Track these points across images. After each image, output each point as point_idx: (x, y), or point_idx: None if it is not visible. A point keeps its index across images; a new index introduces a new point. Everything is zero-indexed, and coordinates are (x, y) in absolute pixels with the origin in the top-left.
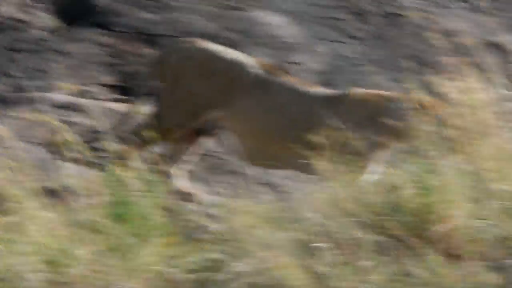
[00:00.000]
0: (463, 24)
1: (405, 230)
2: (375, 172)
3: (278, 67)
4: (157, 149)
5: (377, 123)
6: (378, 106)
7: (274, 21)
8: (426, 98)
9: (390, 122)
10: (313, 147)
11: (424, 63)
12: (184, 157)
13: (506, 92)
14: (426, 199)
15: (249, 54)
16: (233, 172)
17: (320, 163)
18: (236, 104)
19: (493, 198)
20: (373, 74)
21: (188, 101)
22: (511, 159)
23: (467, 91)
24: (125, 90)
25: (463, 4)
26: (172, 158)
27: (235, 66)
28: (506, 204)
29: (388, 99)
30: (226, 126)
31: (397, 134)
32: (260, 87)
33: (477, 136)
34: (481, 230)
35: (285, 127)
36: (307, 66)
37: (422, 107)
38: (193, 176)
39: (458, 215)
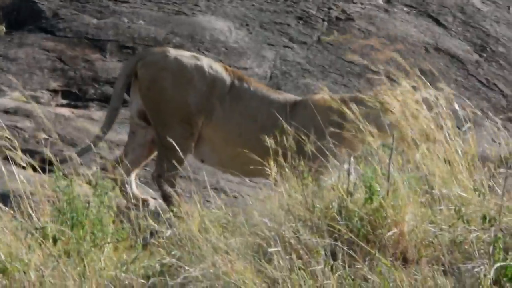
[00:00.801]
0: (409, 29)
1: (357, 235)
2: (330, 177)
3: (244, 75)
4: (111, 155)
5: (335, 127)
6: (338, 110)
7: (220, 26)
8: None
9: (348, 126)
10: (271, 152)
11: (368, 68)
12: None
13: (450, 96)
14: (377, 204)
15: None
16: (185, 177)
17: (274, 168)
18: (214, 111)
19: (444, 202)
20: (319, 78)
21: (180, 111)
22: (457, 163)
23: (411, 97)
24: (72, 95)
25: (408, 9)
26: (128, 165)
27: (211, 74)
28: (457, 208)
29: (347, 102)
30: (203, 134)
31: (353, 139)
32: (235, 95)
33: (422, 141)
34: (434, 235)
35: (256, 133)
36: (254, 71)
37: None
38: (147, 181)
39: (409, 219)
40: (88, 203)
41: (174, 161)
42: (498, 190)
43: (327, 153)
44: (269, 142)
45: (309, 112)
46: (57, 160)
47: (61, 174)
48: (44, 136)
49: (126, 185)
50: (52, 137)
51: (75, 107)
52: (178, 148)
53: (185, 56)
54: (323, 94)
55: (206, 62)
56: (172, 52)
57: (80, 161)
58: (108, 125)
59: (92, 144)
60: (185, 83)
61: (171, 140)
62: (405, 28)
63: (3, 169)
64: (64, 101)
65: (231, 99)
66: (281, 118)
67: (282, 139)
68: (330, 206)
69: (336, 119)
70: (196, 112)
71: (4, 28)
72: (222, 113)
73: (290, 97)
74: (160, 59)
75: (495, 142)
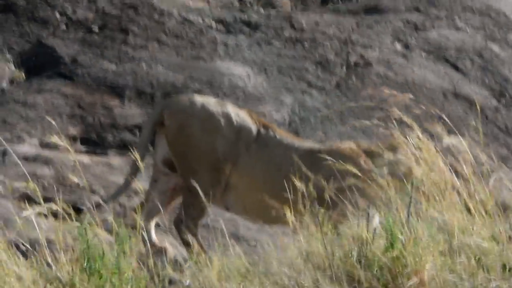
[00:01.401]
0: (427, 74)
1: (377, 283)
2: (349, 225)
3: (271, 123)
4: (130, 202)
5: (356, 178)
6: (365, 160)
7: (239, 72)
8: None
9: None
10: (291, 200)
11: (387, 114)
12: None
13: (470, 142)
14: (397, 252)
15: None
16: (203, 225)
17: (294, 216)
18: (240, 159)
19: (463, 251)
20: (337, 124)
21: (208, 158)
22: (476, 212)
23: (429, 144)
24: (90, 141)
25: (426, 54)
26: (148, 212)
27: (237, 122)
28: (477, 257)
29: (374, 154)
30: (229, 181)
31: (373, 190)
32: (261, 143)
33: (442, 189)
34: (454, 284)
35: (280, 181)
36: (272, 117)
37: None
38: (164, 229)
39: (429, 268)
40: (103, 251)
41: (198, 209)
42: None
43: (346, 202)
44: (288, 189)
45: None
46: (78, 208)
47: (84, 222)
48: (76, 180)
49: (146, 233)
50: (81, 184)
51: (94, 153)
52: (204, 196)
53: (212, 103)
54: (349, 143)
55: (232, 109)
56: (198, 99)
57: (107, 208)
58: (133, 173)
59: (121, 190)
60: (213, 130)
61: (197, 186)
62: (423, 73)
63: (24, 217)
64: (83, 148)
65: (257, 147)
66: (303, 167)
67: (303, 186)
68: (350, 255)
69: (357, 170)
70: (224, 160)
71: (23, 74)
72: (248, 161)
73: (315, 145)
74: (187, 107)
75: None
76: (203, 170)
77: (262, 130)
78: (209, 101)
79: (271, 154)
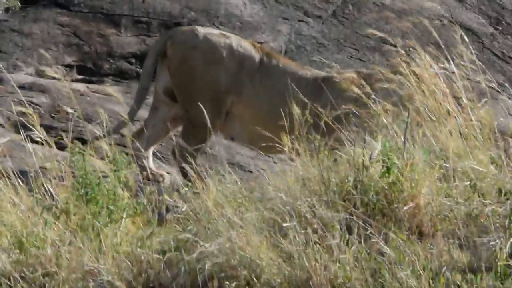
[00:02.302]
0: (423, 2)
1: (373, 209)
2: (345, 151)
3: (274, 52)
4: (128, 130)
5: (356, 105)
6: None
7: (235, 1)
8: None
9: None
10: (287, 128)
11: (384, 42)
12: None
13: (467, 69)
14: (393, 178)
15: None
16: (202, 153)
17: (290, 143)
18: (244, 89)
19: (460, 176)
20: (333, 53)
21: (209, 89)
22: (473, 137)
23: (428, 70)
24: (87, 70)
25: None
26: (147, 140)
27: (240, 52)
28: (473, 181)
29: (373, 81)
30: (233, 112)
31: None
32: (264, 72)
33: (438, 115)
34: (449, 208)
35: (285, 109)
36: (268, 46)
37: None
38: (162, 156)
39: (425, 193)
40: (99, 178)
41: (197, 139)
42: None
43: (343, 128)
44: (287, 116)
45: (337, 89)
46: (72, 136)
47: (77, 149)
48: (70, 110)
49: (144, 160)
50: (75, 113)
51: (90, 82)
52: (204, 126)
53: (215, 34)
54: (351, 72)
55: (235, 40)
56: (201, 30)
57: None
58: (138, 103)
59: (126, 120)
60: (215, 62)
61: (198, 116)
62: (420, 1)
63: (20, 144)
64: (79, 76)
65: (261, 76)
66: (300, 94)
67: (303, 113)
68: (346, 180)
69: (357, 96)
70: (226, 91)
71: (19, 3)
72: (252, 91)
73: (319, 73)
74: (190, 38)
75: (511, 115)
76: (204, 101)
77: (265, 59)
78: (212, 33)
79: (275, 83)
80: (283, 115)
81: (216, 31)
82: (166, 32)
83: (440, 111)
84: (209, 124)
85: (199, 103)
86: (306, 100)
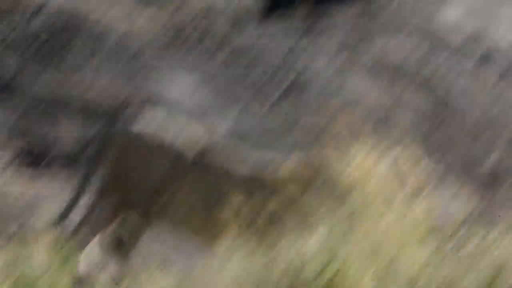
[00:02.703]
0: (365, 93)
1: None
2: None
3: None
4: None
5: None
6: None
7: (180, 86)
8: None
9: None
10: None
11: (324, 133)
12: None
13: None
14: (330, 276)
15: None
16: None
17: (228, 239)
18: (180, 184)
19: (397, 272)
20: (276, 140)
21: (147, 188)
22: (411, 232)
23: (366, 163)
24: (32, 155)
25: (366, 73)
26: (91, 231)
27: (174, 150)
28: (411, 277)
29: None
30: (168, 205)
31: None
32: (198, 168)
33: (379, 205)
34: None
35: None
36: (212, 133)
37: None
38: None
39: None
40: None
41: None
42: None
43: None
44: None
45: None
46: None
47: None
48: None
49: (83, 255)
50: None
51: (36, 168)
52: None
53: (149, 132)
54: (291, 163)
55: (169, 138)
56: (135, 128)
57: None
58: (80, 192)
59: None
60: (149, 160)
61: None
62: (364, 88)
63: None
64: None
65: (196, 170)
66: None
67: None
68: (284, 279)
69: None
70: (161, 186)
71: None
72: (188, 185)
73: (255, 167)
74: (122, 137)
75: (452, 205)
76: (141, 195)
77: (199, 155)
78: (146, 131)
79: (211, 177)
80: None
81: (151, 129)
82: (104, 125)
83: (383, 200)
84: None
85: (136, 196)
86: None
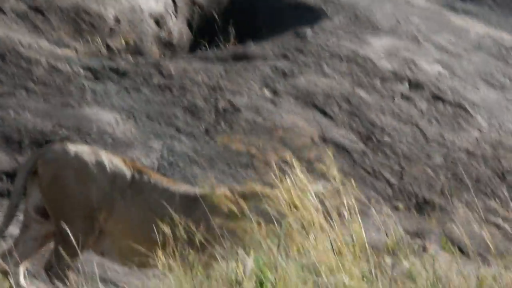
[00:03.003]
0: (296, 120)
1: None
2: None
3: (146, 167)
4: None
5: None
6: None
7: (107, 118)
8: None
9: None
10: (160, 243)
11: (257, 159)
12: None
13: (338, 187)
14: None
15: None
16: (71, 268)
17: (163, 259)
18: (115, 206)
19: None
20: (206, 169)
21: (82, 207)
22: (344, 253)
23: (299, 187)
24: None
25: (295, 100)
26: (19, 257)
27: (111, 169)
28: None
29: (247, 197)
30: (104, 228)
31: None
32: (135, 188)
33: (310, 230)
34: None
35: (156, 225)
36: (141, 162)
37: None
38: (33, 274)
39: None
40: None
41: (69, 256)
42: (385, 279)
43: (216, 244)
44: (159, 233)
45: (210, 204)
46: None
47: None
48: None
49: (14, 278)
50: None
51: None
52: (76, 243)
53: (85, 151)
54: (225, 188)
55: (106, 157)
56: (72, 148)
57: None
58: (7, 221)
59: None
60: (86, 180)
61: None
62: (292, 118)
63: None
64: None
65: (132, 193)
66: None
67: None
68: None
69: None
70: (98, 208)
71: None
72: (123, 207)
73: (191, 188)
74: (60, 156)
75: (381, 231)
76: (77, 219)
77: (136, 175)
78: (83, 150)
79: (146, 198)
80: (155, 231)
81: (86, 148)
82: (36, 150)
83: (313, 227)
84: (80, 242)
85: (71, 221)
86: (177, 216)
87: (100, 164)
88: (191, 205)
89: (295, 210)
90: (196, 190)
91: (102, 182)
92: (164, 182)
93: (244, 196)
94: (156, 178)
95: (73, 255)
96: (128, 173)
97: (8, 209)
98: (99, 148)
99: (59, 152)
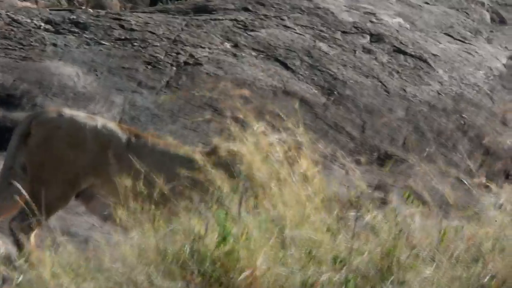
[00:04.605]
0: (257, 73)
1: (210, 278)
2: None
3: (140, 131)
4: None
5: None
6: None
7: (68, 72)
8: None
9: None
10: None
11: (217, 111)
12: None
13: (298, 139)
14: (229, 247)
15: (43, 105)
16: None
17: (125, 212)
18: (110, 170)
19: (294, 244)
20: (168, 123)
21: (65, 172)
22: (305, 205)
23: (260, 139)
24: None
25: (256, 53)
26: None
27: (105, 135)
28: (309, 250)
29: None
30: (99, 192)
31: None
32: (132, 152)
33: (273, 183)
34: (285, 277)
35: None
36: (102, 116)
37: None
38: None
39: (262, 262)
40: None
41: (35, 218)
42: (347, 233)
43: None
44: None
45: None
46: None
47: None
48: None
49: None
50: None
51: None
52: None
53: (80, 116)
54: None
55: (101, 123)
56: (67, 112)
57: None
58: (2, 184)
59: None
60: (77, 144)
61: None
62: (253, 72)
63: None
64: None
65: (128, 157)
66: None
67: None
68: (182, 250)
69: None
70: (83, 174)
71: None
72: (118, 172)
73: (190, 151)
74: (54, 119)
75: (344, 185)
76: (55, 183)
77: (132, 139)
78: (78, 115)
79: (144, 162)
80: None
81: (82, 114)
82: (31, 112)
83: (277, 181)
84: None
85: (48, 183)
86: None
87: (93, 130)
88: (189, 167)
89: (259, 164)
90: (196, 151)
91: (93, 147)
92: (161, 144)
93: (209, 149)
94: (154, 141)
95: (43, 216)
96: (123, 137)
97: (2, 171)
98: (61, 103)
99: (54, 115)
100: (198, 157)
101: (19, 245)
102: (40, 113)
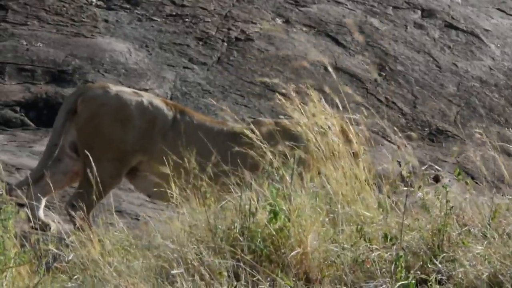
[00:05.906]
0: (308, 49)
1: (260, 256)
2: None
3: (186, 107)
4: (11, 178)
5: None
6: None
7: (120, 48)
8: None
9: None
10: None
11: (270, 88)
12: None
13: (351, 116)
14: (280, 224)
15: (95, 81)
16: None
17: (177, 190)
18: (156, 147)
19: (346, 221)
20: (219, 99)
21: (115, 149)
22: (360, 182)
23: (314, 115)
24: None
25: (307, 29)
26: (43, 188)
27: (151, 111)
28: (360, 227)
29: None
30: (145, 170)
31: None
32: (178, 129)
33: (326, 160)
34: (336, 254)
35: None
36: (154, 93)
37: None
38: (49, 205)
39: (312, 239)
40: None
41: (92, 198)
42: (398, 209)
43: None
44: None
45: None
46: None
47: None
48: None
49: (33, 209)
50: None
51: None
52: (101, 186)
53: (126, 92)
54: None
55: (147, 99)
56: (113, 88)
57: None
58: (46, 160)
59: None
60: (124, 120)
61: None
62: (304, 47)
63: None
64: None
65: (174, 134)
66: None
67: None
68: (233, 227)
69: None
70: (132, 150)
71: None
72: (165, 148)
73: (234, 127)
74: (100, 95)
75: (395, 160)
76: (106, 160)
77: (179, 116)
78: (124, 90)
79: (190, 139)
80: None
81: (128, 89)
82: (78, 88)
83: (332, 157)
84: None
85: (99, 161)
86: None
87: (140, 106)
88: (235, 143)
89: (314, 140)
90: (239, 127)
91: (140, 124)
92: (207, 121)
93: (264, 125)
94: (200, 117)
95: (95, 198)
96: (170, 114)
97: (48, 147)
98: (114, 79)
99: (100, 91)
100: (247, 132)
101: (74, 224)
102: (85, 89)
